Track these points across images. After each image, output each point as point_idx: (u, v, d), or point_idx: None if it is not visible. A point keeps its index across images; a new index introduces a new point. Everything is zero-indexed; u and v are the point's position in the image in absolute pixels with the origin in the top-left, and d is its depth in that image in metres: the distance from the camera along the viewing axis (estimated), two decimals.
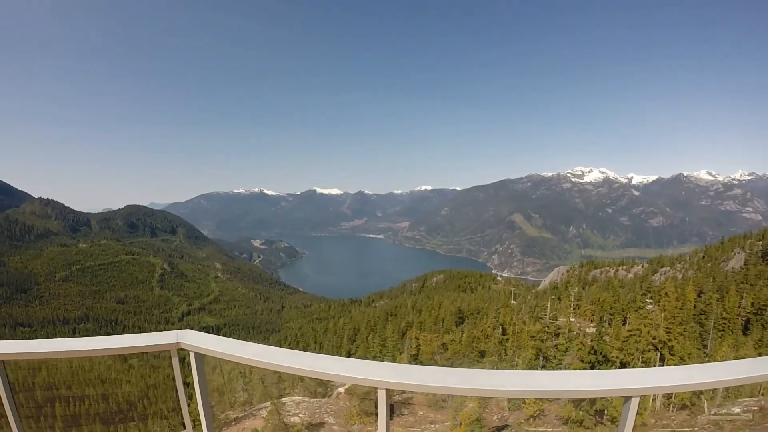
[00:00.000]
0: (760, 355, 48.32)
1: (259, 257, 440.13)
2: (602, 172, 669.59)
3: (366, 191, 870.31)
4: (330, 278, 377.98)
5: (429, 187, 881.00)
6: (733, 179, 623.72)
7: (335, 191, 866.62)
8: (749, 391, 26.68)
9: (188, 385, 3.45)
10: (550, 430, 30.49)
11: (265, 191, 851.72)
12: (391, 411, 35.35)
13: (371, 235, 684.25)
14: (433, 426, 34.16)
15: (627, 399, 2.53)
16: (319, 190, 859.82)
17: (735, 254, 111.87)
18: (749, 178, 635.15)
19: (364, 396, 33.79)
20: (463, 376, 2.51)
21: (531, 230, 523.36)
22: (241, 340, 3.17)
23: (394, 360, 61.65)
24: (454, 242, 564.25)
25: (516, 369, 46.38)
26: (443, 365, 39.05)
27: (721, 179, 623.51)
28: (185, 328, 3.46)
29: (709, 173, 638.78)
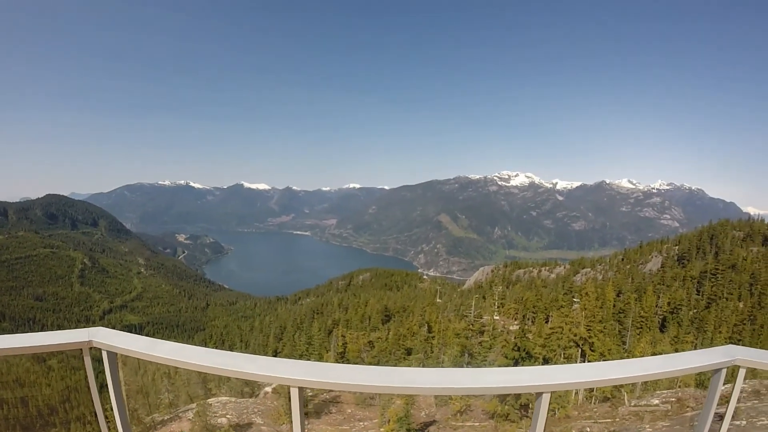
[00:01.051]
0: (676, 350, 51.38)
1: (184, 252, 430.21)
2: (528, 177, 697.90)
3: (294, 187, 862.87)
4: (256, 275, 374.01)
5: (357, 185, 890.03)
6: (653, 188, 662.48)
7: (263, 186, 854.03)
8: (667, 383, 28.05)
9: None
10: (477, 424, 30.81)
11: (192, 184, 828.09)
12: (319, 409, 34.90)
13: (298, 232, 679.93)
14: (361, 424, 33.68)
15: (539, 395, 2.58)
16: (246, 185, 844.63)
17: (652, 257, 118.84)
18: (668, 187, 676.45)
19: (289, 397, 32.85)
20: (377, 373, 2.53)
21: (457, 230, 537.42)
22: (164, 339, 2.92)
23: (320, 359, 61.16)
24: (381, 241, 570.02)
25: (442, 366, 46.95)
26: (370, 363, 39.20)
27: (641, 188, 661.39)
28: (107, 327, 3.12)
29: (630, 182, 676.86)
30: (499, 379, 2.53)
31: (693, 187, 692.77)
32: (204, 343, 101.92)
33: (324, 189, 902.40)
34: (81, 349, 3.00)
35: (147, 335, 3.03)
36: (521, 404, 30.83)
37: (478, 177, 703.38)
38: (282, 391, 32.27)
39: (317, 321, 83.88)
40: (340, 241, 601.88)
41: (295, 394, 2.58)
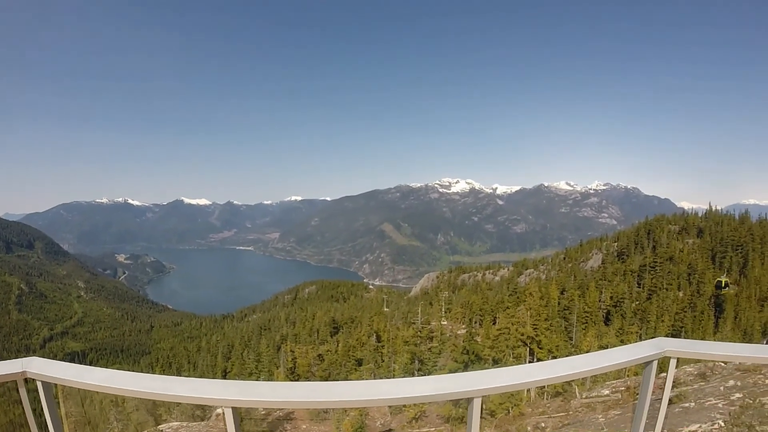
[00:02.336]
0: (622, 342, 52.90)
1: (124, 273, 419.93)
2: (468, 183, 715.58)
3: (235, 201, 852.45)
4: (200, 293, 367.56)
5: (299, 198, 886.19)
6: (590, 189, 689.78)
7: (203, 201, 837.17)
8: (616, 373, 28.77)
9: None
10: (433, 429, 30.79)
11: (130, 201, 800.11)
12: (273, 428, 34.10)
13: (241, 247, 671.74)
14: None
15: (470, 400, 2.63)
16: (186, 200, 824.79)
17: (593, 255, 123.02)
18: (605, 188, 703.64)
19: (243, 416, 32.08)
20: (308, 389, 2.53)
21: (401, 239, 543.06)
22: (109, 365, 2.39)
23: (270, 376, 60.10)
24: (325, 252, 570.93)
25: (394, 375, 46.89)
26: (320, 377, 38.87)
27: (579, 189, 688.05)
28: (48, 355, 2.56)
29: (568, 184, 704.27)
30: (427, 387, 2.56)
31: (629, 186, 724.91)
32: (151, 368, 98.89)
33: (266, 202, 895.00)
34: (16, 381, 2.87)
35: (90, 362, 2.64)
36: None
37: (419, 185, 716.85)
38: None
39: (265, 337, 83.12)
40: (283, 255, 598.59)
41: (228, 414, 2.50)
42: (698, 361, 23.42)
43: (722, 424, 12.62)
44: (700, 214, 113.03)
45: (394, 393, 2.50)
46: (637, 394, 3.27)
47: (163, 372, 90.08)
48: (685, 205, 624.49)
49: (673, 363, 3.30)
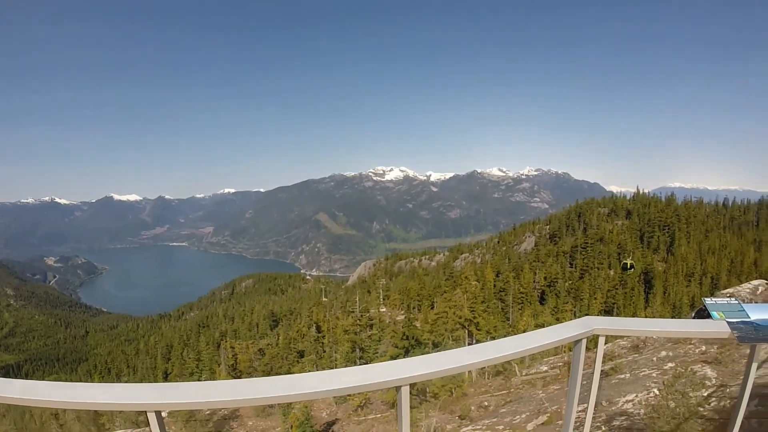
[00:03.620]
0: (557, 320, 54.81)
1: (55, 277, 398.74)
2: (402, 171, 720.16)
3: (167, 196, 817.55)
4: (135, 293, 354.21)
5: (232, 190, 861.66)
6: (522, 174, 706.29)
7: (134, 197, 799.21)
8: (554, 351, 29.93)
9: None
10: (379, 415, 31.18)
11: (57, 200, 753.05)
12: (220, 427, 33.63)
13: (174, 243, 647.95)
14: None
15: (398, 389, 2.63)
16: (116, 197, 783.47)
17: (526, 238, 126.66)
18: (536, 173, 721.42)
19: (188, 418, 31.54)
20: (233, 387, 2.45)
21: (336, 228, 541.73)
22: (45, 375, 2.26)
23: (212, 374, 59.03)
24: (261, 245, 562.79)
25: (335, 365, 46.91)
26: (262, 371, 38.59)
27: (511, 175, 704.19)
28: None
29: (501, 170, 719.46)
30: (354, 378, 2.56)
31: (560, 172, 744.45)
32: (89, 375, 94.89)
33: (198, 196, 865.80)
34: None
35: (26, 375, 2.45)
36: (419, 389, 31.60)
37: (353, 174, 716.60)
38: (179, 415, 30.83)
39: (204, 335, 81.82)
40: (218, 249, 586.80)
41: (152, 419, 2.40)
42: (626, 337, 24.78)
43: (657, 393, 13.36)
44: (628, 197, 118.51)
45: (318, 386, 2.46)
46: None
47: (102, 379, 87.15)
48: (614, 188, 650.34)
49: (601, 340, 3.42)
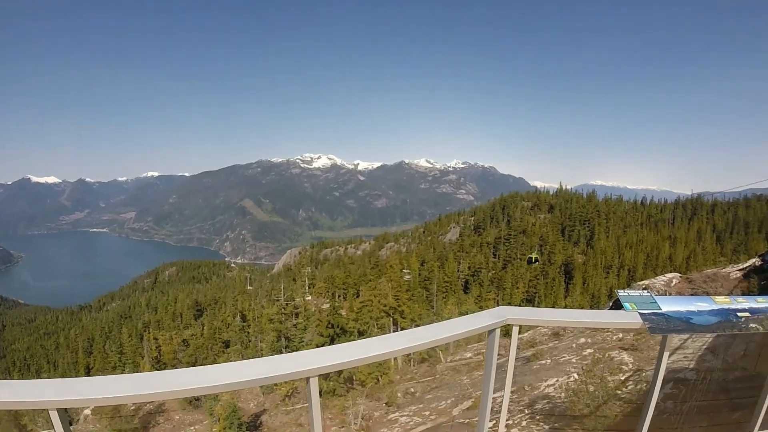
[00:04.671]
0: (481, 308, 56.32)
1: None
2: (330, 159, 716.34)
3: (87, 178, 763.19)
4: (53, 284, 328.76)
5: (156, 173, 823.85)
6: (449, 166, 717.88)
7: (53, 179, 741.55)
8: (477, 337, 30.87)
9: None
10: (307, 404, 31.11)
11: None
12: (146, 423, 32.60)
13: (95, 229, 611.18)
14: (192, 428, 32.41)
15: (307, 380, 2.62)
16: (34, 179, 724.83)
17: (451, 228, 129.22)
18: (463, 166, 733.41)
19: (113, 414, 30.39)
20: (137, 381, 2.37)
21: (262, 215, 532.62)
22: None
23: (135, 367, 57.07)
24: (185, 231, 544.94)
25: (261, 354, 46.37)
26: (187, 363, 37.78)
27: (438, 166, 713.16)
28: None
29: (428, 161, 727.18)
30: (261, 369, 2.52)
31: (486, 165, 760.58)
32: (8, 373, 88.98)
33: (120, 179, 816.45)
34: None
35: None
36: (345, 378, 31.81)
37: (280, 160, 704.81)
38: (103, 412, 29.65)
39: (126, 327, 79.36)
40: (140, 236, 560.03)
41: (54, 417, 2.28)
42: (538, 326, 25.86)
43: (577, 377, 14.05)
44: (551, 193, 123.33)
45: (225, 378, 2.43)
46: (499, 354, 3.50)
47: (21, 376, 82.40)
48: (538, 184, 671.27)
49: (515, 330, 3.52)
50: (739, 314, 3.82)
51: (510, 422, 10.55)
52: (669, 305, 3.82)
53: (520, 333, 3.59)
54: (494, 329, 3.31)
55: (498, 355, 3.45)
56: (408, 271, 79.41)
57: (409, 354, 38.33)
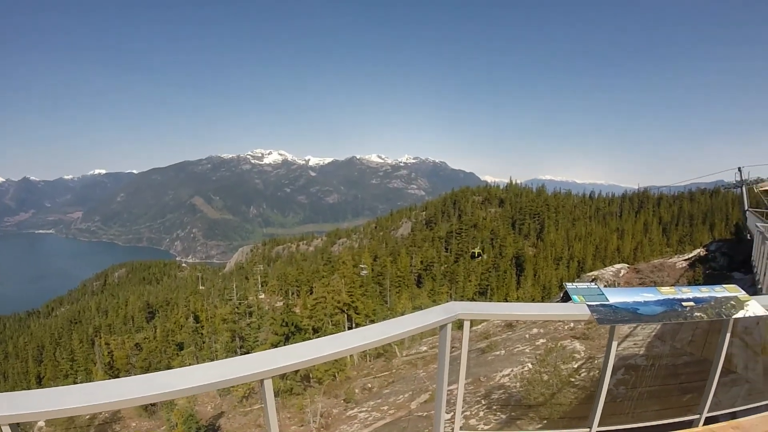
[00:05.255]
0: (434, 302, 56.98)
1: None
2: (281, 155, 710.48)
3: (32, 177, 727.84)
4: None
5: (103, 171, 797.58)
6: (401, 162, 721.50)
7: None
8: (431, 331, 31.26)
9: None
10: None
11: None
12: (102, 431, 31.59)
13: (41, 231, 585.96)
14: None
15: (261, 382, 2.63)
16: None
17: (403, 223, 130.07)
18: (414, 161, 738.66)
19: (67, 425, 29.35)
20: (85, 392, 2.27)
21: (212, 212, 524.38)
22: None
23: (88, 375, 55.22)
24: (134, 231, 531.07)
25: (216, 357, 45.83)
26: (140, 368, 36.94)
27: (389, 162, 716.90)
28: None
29: (380, 156, 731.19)
30: (215, 373, 2.48)
31: (437, 160, 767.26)
32: None
33: (66, 177, 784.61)
34: None
35: None
36: (302, 376, 31.71)
37: (231, 156, 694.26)
38: (57, 423, 28.72)
39: (77, 332, 77.09)
40: (88, 236, 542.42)
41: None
42: (488, 320, 26.36)
43: (531, 366, 14.45)
44: (501, 187, 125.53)
45: (177, 384, 2.36)
46: (454, 347, 3.59)
47: None
48: (489, 178, 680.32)
49: (466, 324, 3.56)
50: (683, 304, 4.04)
51: (468, 413, 10.79)
52: (616, 296, 4.01)
53: (472, 326, 3.65)
54: (445, 324, 3.37)
55: (453, 347, 3.55)
56: (365, 266, 79.63)
57: (347, 355, 38.60)
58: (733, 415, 4.91)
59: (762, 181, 40.84)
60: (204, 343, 53.96)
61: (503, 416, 9.52)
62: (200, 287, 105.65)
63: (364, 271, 77.34)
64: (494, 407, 10.44)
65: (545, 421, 7.77)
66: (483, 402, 11.15)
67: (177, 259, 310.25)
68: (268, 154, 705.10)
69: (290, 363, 2.68)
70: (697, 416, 4.54)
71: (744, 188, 39.61)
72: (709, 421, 4.64)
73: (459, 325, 3.66)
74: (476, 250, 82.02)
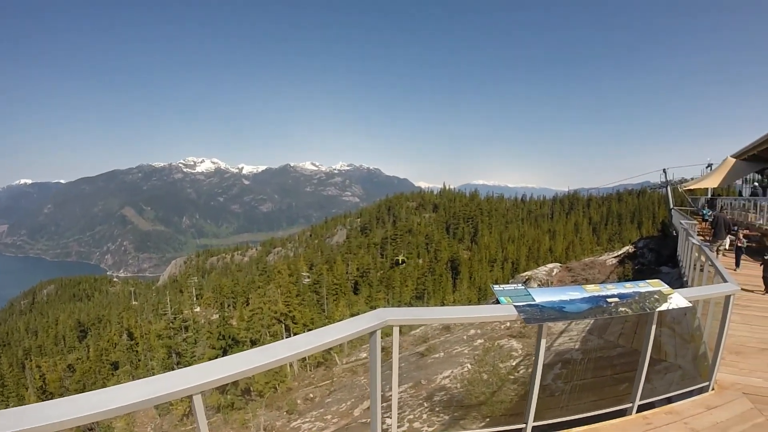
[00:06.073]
0: (372, 308, 57.57)
1: None
2: (214, 163, 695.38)
3: None
4: None
5: (29, 181, 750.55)
6: (335, 169, 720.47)
7: None
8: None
9: None
10: (207, 421, 29.96)
11: None
12: None
13: None
14: None
15: (191, 398, 2.58)
16: None
17: (338, 230, 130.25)
18: (348, 168, 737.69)
19: None
20: (8, 417, 2.13)
21: (144, 224, 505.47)
22: None
23: (20, 401, 52.05)
24: (62, 245, 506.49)
25: (153, 373, 44.52)
26: (74, 390, 35.29)
27: (324, 169, 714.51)
28: None
29: (314, 164, 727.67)
30: (142, 392, 2.40)
31: (371, 167, 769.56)
32: None
33: None
34: None
35: None
36: (242, 389, 31.17)
37: (162, 164, 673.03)
38: None
39: (5, 355, 73.20)
40: (14, 251, 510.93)
41: None
42: (420, 325, 26.77)
43: (470, 367, 14.79)
44: (435, 192, 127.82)
45: (104, 405, 2.26)
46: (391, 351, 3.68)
47: None
48: (423, 184, 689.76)
49: (396, 330, 3.63)
50: (608, 300, 4.31)
51: (411, 416, 10.96)
52: (542, 296, 4.21)
53: (410, 330, 3.70)
54: (375, 331, 3.42)
55: (390, 353, 3.64)
56: (307, 273, 79.30)
57: (305, 359, 38.30)
58: (669, 400, 5.27)
59: (686, 181, 43.63)
60: (140, 361, 52.20)
61: (446, 417, 9.74)
62: (133, 302, 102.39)
63: (307, 279, 77.02)
64: (437, 409, 10.64)
65: (488, 419, 8.03)
66: (425, 405, 11.34)
67: (108, 273, 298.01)
68: (201, 162, 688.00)
69: (219, 377, 2.65)
70: (630, 405, 4.85)
71: (669, 188, 42.03)
72: (644, 407, 4.94)
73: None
74: (400, 258, 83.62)
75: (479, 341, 18.66)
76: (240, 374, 2.71)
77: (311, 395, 26.04)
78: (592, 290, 4.45)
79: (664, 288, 4.67)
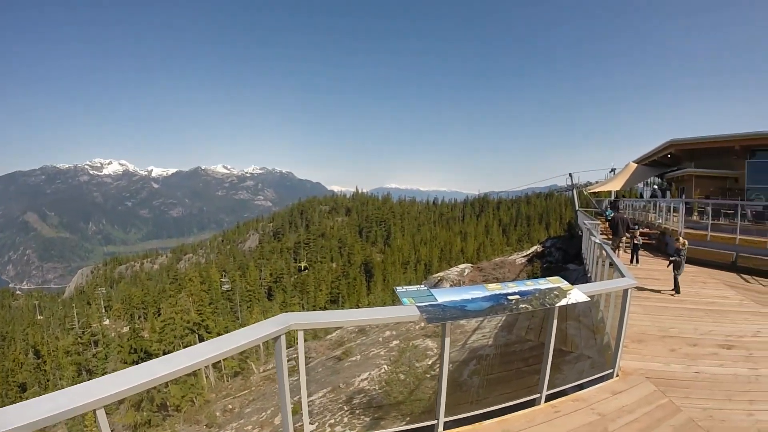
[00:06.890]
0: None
1: None
2: (122, 165, 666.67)
3: None
4: None
5: None
6: (247, 172, 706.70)
7: None
8: (289, 343, 31.42)
9: None
10: None
11: None
12: None
13: None
14: None
15: (94, 413, 2.52)
16: None
17: (250, 236, 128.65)
18: (261, 171, 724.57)
19: None
20: None
21: (47, 230, 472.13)
22: None
23: None
24: None
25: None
26: None
27: (236, 172, 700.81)
28: None
29: (225, 167, 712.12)
30: (43, 408, 2.30)
31: (284, 171, 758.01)
32: None
33: None
34: None
35: None
36: (158, 405, 30.16)
37: (67, 166, 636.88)
38: None
39: None
40: None
41: None
42: (333, 329, 27.00)
43: (387, 368, 15.14)
44: (348, 196, 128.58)
45: (4, 424, 2.16)
46: (310, 357, 3.86)
47: None
48: (336, 188, 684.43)
49: (300, 335, 3.69)
50: (509, 297, 4.62)
51: (332, 421, 11.13)
52: (445, 296, 4.44)
53: (326, 335, 3.83)
54: (279, 336, 3.49)
55: (309, 358, 3.80)
56: (226, 280, 77.62)
57: (221, 369, 37.52)
58: (581, 388, 5.80)
59: (591, 184, 46.50)
60: (48, 380, 49.15)
61: (367, 419, 9.96)
62: (38, 317, 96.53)
63: (226, 285, 75.40)
64: (357, 412, 10.86)
65: (408, 417, 8.35)
66: (346, 408, 11.55)
67: (10, 285, 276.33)
68: (108, 164, 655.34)
69: (122, 389, 2.57)
70: (538, 395, 5.21)
71: (575, 191, 44.57)
72: (555, 396, 5.39)
73: (313, 335, 3.86)
74: (302, 264, 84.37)
75: (395, 342, 19.10)
76: (144, 385, 2.67)
77: (230, 406, 25.61)
78: (494, 289, 4.76)
79: (564, 284, 5.11)
